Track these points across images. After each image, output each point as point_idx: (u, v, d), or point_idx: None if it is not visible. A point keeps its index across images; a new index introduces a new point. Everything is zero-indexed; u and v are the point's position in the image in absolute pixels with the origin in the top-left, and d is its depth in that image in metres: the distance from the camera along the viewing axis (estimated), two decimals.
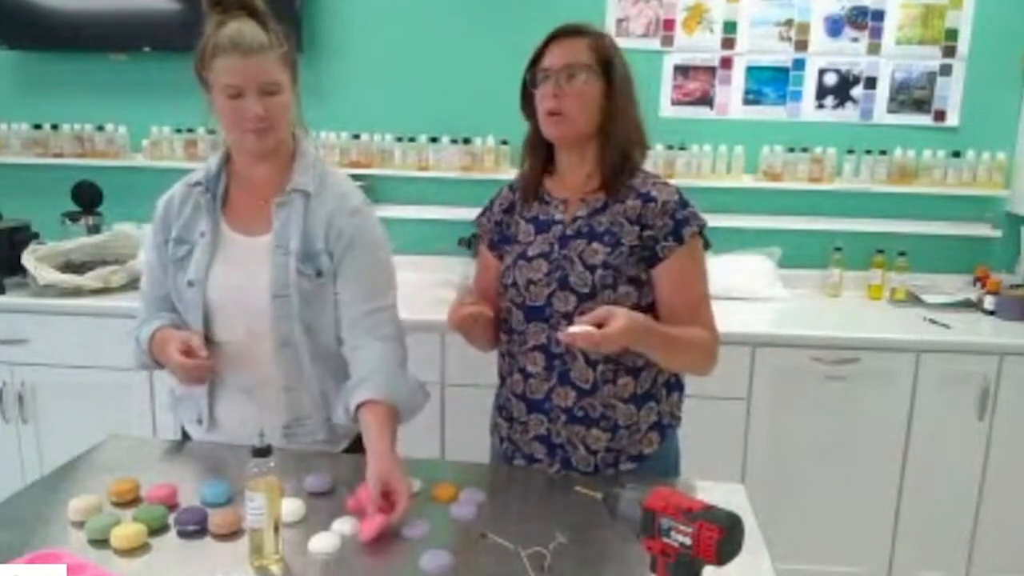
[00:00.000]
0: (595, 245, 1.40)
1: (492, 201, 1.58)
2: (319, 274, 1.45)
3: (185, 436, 1.62)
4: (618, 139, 1.42)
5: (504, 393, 1.52)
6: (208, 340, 1.46)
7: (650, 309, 1.41)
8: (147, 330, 1.48)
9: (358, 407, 1.36)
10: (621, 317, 1.24)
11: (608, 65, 1.40)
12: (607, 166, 1.43)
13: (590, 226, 1.42)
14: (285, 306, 1.44)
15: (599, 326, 1.23)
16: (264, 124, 1.37)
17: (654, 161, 2.72)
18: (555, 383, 1.42)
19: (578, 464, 1.45)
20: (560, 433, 1.44)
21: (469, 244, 2.76)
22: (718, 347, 1.44)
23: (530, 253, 1.44)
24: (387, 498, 1.22)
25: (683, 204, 1.41)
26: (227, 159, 1.51)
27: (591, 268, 1.38)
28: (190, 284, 1.45)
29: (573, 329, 1.24)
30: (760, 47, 2.79)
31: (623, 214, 1.41)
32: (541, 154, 1.49)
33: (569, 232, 1.43)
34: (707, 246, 1.45)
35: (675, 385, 1.51)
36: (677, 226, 1.39)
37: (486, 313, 1.41)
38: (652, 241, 1.39)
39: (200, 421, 1.53)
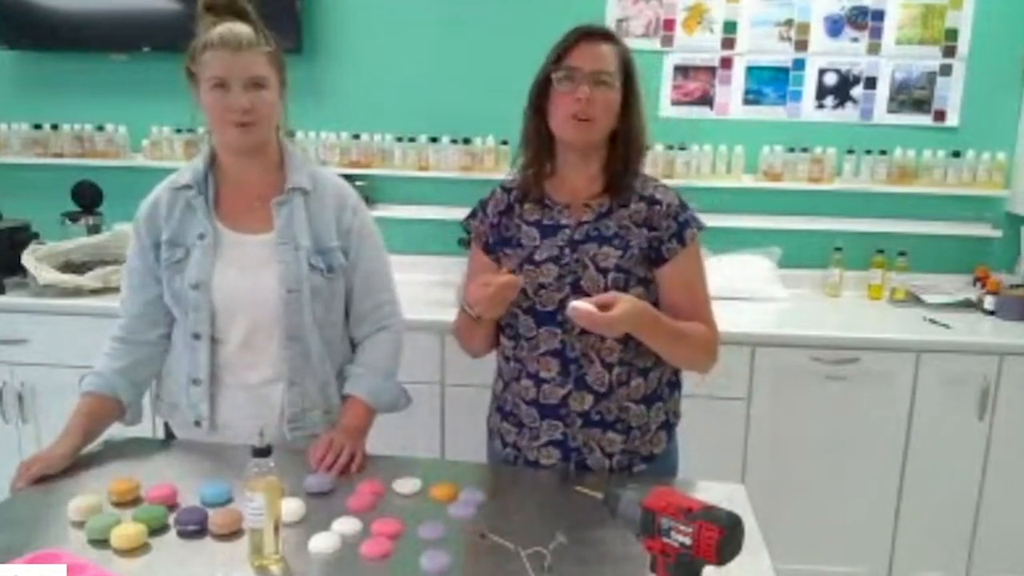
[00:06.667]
0: (606, 249, 1.40)
1: (483, 203, 1.55)
2: (330, 269, 1.49)
3: (169, 435, 1.62)
4: (629, 146, 1.43)
5: (510, 399, 1.50)
6: (213, 340, 1.48)
7: (655, 307, 1.41)
8: (89, 381, 1.49)
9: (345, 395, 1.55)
10: (624, 303, 1.28)
11: (628, 73, 1.41)
12: (614, 171, 1.44)
13: (598, 230, 1.42)
14: (297, 300, 1.46)
15: (604, 309, 1.26)
16: (248, 117, 1.39)
17: (654, 161, 2.72)
18: (571, 388, 1.42)
19: (594, 466, 1.45)
20: (576, 437, 1.44)
21: (469, 245, 2.74)
22: (718, 345, 1.46)
23: (537, 257, 1.43)
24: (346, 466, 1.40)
25: (684, 207, 1.44)
26: (212, 161, 1.51)
27: (603, 271, 1.39)
28: (195, 287, 1.45)
29: (581, 304, 1.26)
30: (760, 47, 2.79)
31: (629, 218, 1.42)
32: (544, 154, 1.46)
33: (578, 236, 1.42)
34: None
35: (676, 384, 1.53)
36: (680, 228, 1.41)
37: (515, 280, 1.37)
38: (657, 242, 1.41)
39: (198, 423, 1.52)
